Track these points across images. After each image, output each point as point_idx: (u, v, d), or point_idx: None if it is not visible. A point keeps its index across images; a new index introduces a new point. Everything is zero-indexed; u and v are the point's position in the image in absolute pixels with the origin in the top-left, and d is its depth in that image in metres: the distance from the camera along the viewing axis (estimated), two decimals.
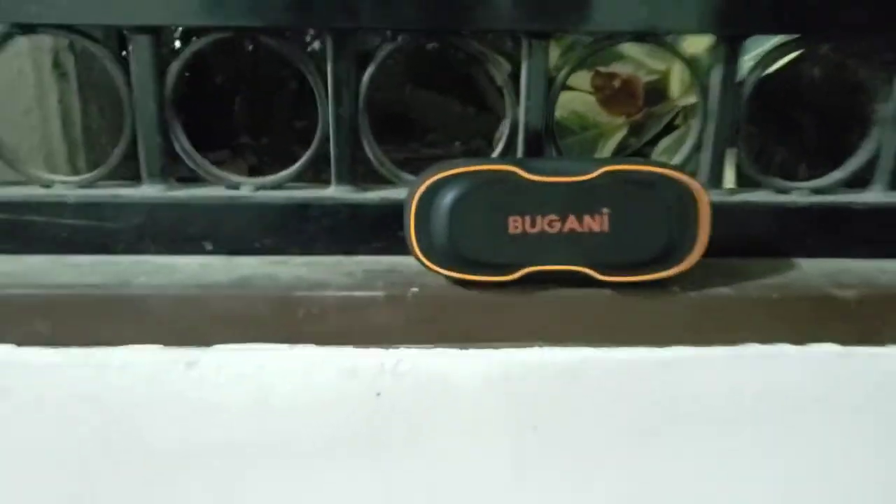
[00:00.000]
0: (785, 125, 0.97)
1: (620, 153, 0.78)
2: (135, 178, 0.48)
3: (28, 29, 0.45)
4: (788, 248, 0.50)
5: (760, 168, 0.51)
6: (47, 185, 0.48)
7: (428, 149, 1.08)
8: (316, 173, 0.49)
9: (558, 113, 0.60)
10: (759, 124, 0.95)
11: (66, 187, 0.48)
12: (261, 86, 1.09)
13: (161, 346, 0.45)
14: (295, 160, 0.49)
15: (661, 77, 0.79)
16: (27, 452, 0.46)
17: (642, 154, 0.80)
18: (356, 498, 0.47)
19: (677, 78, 0.80)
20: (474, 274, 0.43)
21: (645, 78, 0.81)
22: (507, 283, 0.44)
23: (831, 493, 0.49)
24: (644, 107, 0.79)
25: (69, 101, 0.75)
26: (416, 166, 0.47)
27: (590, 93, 0.77)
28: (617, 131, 0.79)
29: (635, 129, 0.81)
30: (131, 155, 0.48)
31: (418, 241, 0.43)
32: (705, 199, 0.43)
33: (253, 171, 0.83)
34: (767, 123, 0.96)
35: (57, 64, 0.73)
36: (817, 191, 0.51)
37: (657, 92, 0.83)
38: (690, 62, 0.51)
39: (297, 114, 1.07)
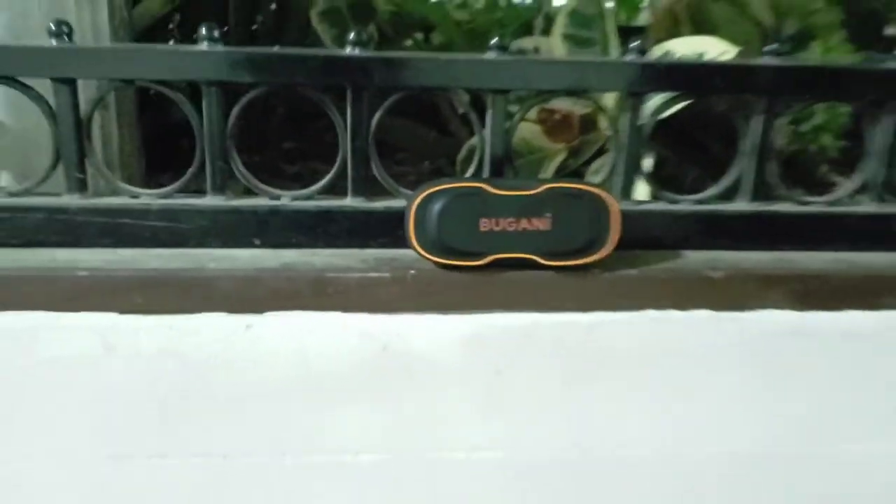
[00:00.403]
0: (697, 151, 1.18)
1: (560, 173, 0.96)
2: (201, 192, 0.65)
3: (128, 83, 0.61)
4: (677, 243, 0.69)
5: (661, 185, 0.70)
6: (135, 196, 0.64)
7: (399, 167, 1.26)
8: (335, 188, 0.67)
9: None
10: (678, 150, 1.15)
11: (149, 198, 0.64)
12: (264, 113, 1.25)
13: (226, 313, 0.61)
14: (282, 176, 0.66)
15: (593, 111, 0.99)
16: (127, 394, 0.62)
17: (578, 174, 0.99)
18: (370, 424, 0.64)
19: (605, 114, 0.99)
20: (455, 260, 0.61)
21: (580, 111, 1.00)
22: (479, 267, 0.61)
23: (708, 417, 0.69)
24: (579, 135, 0.99)
25: (109, 128, 0.90)
26: (395, 181, 0.65)
27: (535, 123, 0.96)
28: (557, 155, 0.98)
29: (573, 153, 1.01)
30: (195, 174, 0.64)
31: (416, 236, 0.61)
32: (616, 207, 0.62)
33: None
34: (684, 149, 1.17)
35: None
36: (699, 202, 0.70)
37: (590, 122, 1.02)
38: (606, 110, 0.70)
39: (285, 137, 1.23)
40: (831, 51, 1.24)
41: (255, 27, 1.29)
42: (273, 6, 1.31)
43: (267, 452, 0.65)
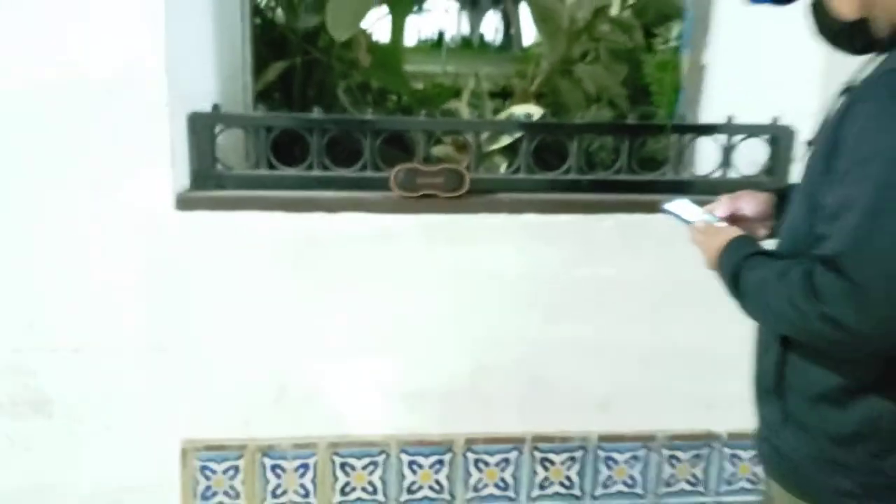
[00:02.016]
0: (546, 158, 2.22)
1: None
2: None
3: (269, 130, 1.63)
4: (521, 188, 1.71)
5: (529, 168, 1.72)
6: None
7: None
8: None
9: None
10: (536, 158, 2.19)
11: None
12: None
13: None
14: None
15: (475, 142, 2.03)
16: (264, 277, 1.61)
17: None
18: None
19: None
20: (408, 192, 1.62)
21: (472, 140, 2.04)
22: (421, 196, 1.62)
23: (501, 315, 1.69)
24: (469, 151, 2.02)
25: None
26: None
27: (451, 145, 1.99)
28: (461, 161, 2.00)
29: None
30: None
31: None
32: (467, 177, 1.63)
33: None
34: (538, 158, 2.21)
35: None
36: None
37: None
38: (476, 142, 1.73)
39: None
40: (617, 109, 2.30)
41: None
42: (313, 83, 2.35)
43: None
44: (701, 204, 1.19)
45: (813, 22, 1.04)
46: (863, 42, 1.00)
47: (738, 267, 1.03)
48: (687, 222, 1.19)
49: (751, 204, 1.19)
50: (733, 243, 1.08)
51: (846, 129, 0.91)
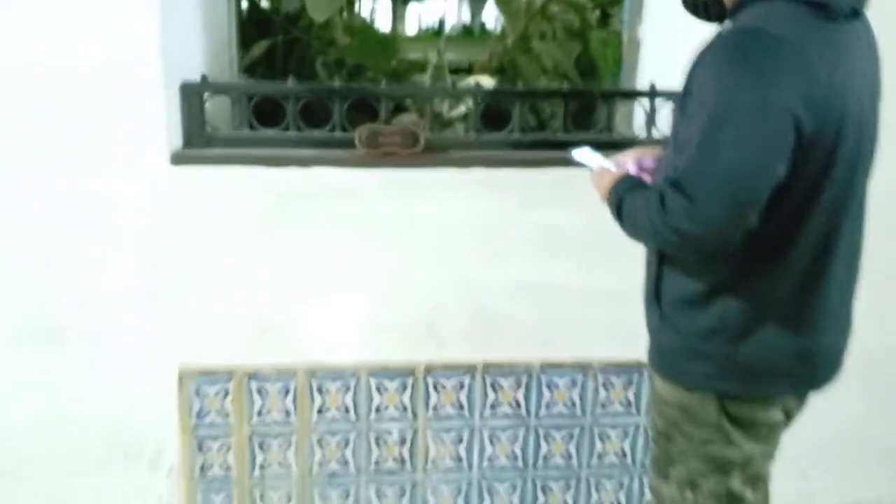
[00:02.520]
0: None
1: None
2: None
3: (251, 97, 1.88)
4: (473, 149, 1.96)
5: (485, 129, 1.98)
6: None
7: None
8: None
9: None
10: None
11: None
12: None
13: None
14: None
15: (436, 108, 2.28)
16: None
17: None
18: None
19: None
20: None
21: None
22: (384, 153, 1.88)
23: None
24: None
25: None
26: None
27: (415, 111, 2.24)
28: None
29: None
30: None
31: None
32: (422, 136, 1.88)
33: None
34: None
35: None
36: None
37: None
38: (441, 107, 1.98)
39: None
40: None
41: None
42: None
43: None
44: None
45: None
46: (716, 12, 1.27)
47: (620, 199, 1.29)
48: (589, 168, 1.45)
49: (650, 157, 1.45)
50: (619, 182, 1.34)
51: (693, 80, 1.18)
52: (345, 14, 2.75)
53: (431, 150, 1.90)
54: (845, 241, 1.23)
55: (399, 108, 2.32)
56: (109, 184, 1.80)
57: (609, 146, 1.91)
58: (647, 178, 1.35)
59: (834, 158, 1.14)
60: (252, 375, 1.95)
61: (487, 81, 2.21)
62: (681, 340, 1.29)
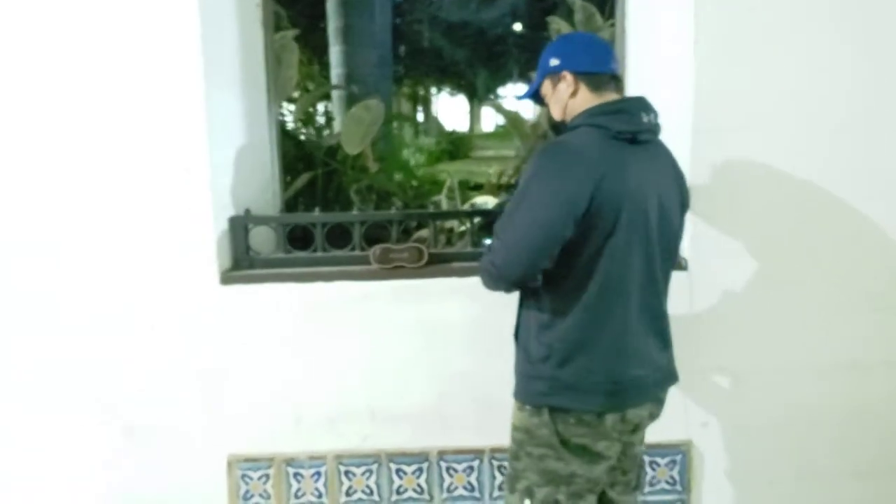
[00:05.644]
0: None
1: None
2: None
3: (293, 227, 2.28)
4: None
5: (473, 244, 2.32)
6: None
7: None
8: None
9: None
10: None
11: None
12: None
13: None
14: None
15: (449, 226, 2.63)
16: None
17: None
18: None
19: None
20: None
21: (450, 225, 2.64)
22: (383, 268, 2.23)
23: None
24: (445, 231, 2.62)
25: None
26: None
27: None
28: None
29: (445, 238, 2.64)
30: None
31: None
32: (426, 252, 2.23)
33: None
34: None
35: None
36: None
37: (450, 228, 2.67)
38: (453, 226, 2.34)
39: None
40: None
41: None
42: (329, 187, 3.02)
43: None
44: None
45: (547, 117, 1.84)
46: (563, 128, 1.71)
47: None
48: None
49: None
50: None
51: (523, 173, 1.62)
52: (379, 143, 3.18)
53: (435, 262, 2.24)
54: (638, 300, 1.58)
55: (420, 225, 2.69)
56: (167, 300, 2.20)
57: None
58: None
59: (615, 227, 1.51)
60: (289, 462, 2.26)
61: (491, 200, 2.55)
62: (529, 367, 1.65)
